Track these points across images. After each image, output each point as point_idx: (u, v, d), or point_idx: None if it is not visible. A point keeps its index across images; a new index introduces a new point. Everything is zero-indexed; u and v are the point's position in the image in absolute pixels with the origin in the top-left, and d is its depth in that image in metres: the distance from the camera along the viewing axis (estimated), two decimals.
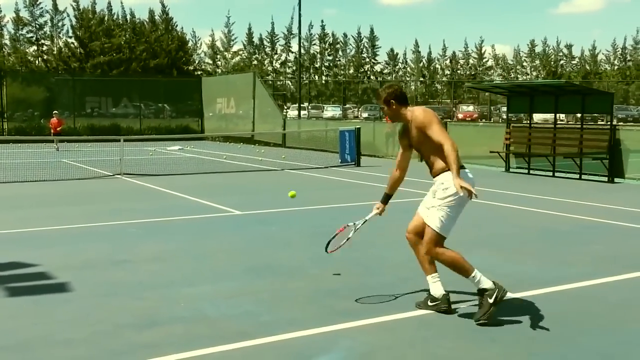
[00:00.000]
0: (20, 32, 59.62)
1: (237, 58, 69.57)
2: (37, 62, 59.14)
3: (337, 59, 73.44)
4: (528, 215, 9.46)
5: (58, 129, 23.50)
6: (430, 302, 4.84)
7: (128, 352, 4.05)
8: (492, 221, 8.93)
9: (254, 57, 70.19)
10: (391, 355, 4.06)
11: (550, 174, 14.99)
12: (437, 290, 4.79)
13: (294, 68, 66.59)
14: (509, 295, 5.21)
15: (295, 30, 64.09)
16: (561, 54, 76.27)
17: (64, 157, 19.67)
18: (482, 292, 4.60)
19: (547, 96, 15.48)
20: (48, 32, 60.40)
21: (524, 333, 4.44)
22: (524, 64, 77.24)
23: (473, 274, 4.60)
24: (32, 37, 60.14)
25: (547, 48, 75.96)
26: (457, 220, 4.70)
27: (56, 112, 25.02)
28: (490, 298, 4.54)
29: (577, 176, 14.39)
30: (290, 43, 69.49)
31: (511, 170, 16.02)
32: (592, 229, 8.41)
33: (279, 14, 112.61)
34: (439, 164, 4.65)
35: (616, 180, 13.76)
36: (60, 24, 60.42)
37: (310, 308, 4.96)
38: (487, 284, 4.59)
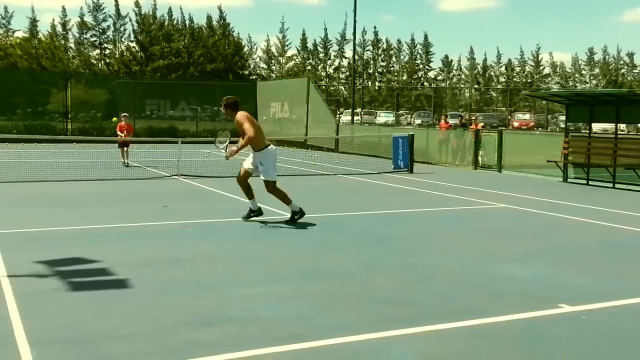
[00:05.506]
0: (84, 36, 61.83)
1: (291, 63, 70.20)
2: (99, 65, 61.17)
3: (390, 65, 73.16)
4: (587, 227, 9.22)
5: (129, 136, 18.24)
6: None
7: (185, 349, 4.15)
8: (549, 232, 8.74)
9: (308, 62, 70.66)
10: None
11: (611, 185, 14.55)
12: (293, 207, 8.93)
13: (347, 73, 66.66)
14: (568, 308, 5.14)
15: (348, 36, 64.29)
16: (622, 62, 73.88)
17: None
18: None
19: (608, 105, 15.05)
20: (111, 36, 62.45)
21: (581, 347, 4.34)
22: (583, 72, 75.17)
23: (290, 205, 8.88)
24: (95, 40, 62.26)
25: (607, 56, 73.73)
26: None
27: (125, 114, 19.21)
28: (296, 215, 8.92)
29: (639, 188, 13.94)
30: (343, 48, 69.68)
31: (569, 180, 15.63)
32: None
33: (332, 20, 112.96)
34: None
35: None
36: (122, 28, 62.44)
37: (363, 313, 4.98)
38: (294, 208, 8.93)
